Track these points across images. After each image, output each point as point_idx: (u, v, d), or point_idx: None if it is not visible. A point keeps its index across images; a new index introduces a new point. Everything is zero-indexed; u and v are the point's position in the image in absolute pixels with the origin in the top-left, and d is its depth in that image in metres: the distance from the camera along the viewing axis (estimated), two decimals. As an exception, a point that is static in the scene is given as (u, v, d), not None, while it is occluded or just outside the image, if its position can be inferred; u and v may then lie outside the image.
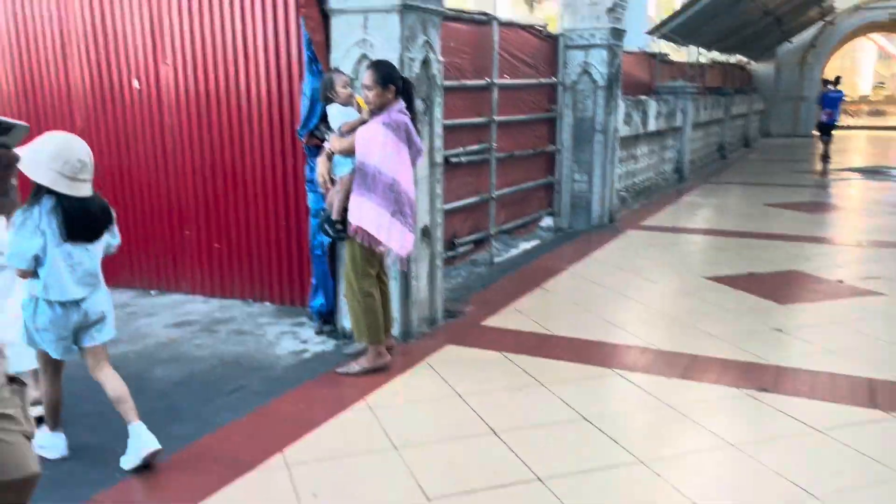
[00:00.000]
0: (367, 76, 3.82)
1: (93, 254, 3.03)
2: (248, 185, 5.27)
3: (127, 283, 5.83)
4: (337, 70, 4.11)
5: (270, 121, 5.10)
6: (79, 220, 2.92)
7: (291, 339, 4.64)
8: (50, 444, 3.15)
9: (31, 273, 2.92)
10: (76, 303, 2.98)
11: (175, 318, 5.07)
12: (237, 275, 5.46)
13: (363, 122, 3.83)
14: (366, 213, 3.77)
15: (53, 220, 2.87)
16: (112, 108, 5.57)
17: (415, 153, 3.87)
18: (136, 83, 5.45)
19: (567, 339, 4.55)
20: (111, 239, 3.15)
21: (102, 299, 3.10)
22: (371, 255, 3.88)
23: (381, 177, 3.71)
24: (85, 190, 2.91)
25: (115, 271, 5.84)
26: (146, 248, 5.70)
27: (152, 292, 5.72)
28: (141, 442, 3.00)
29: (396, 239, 3.78)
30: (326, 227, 3.95)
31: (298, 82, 4.82)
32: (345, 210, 3.87)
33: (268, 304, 5.36)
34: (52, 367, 3.11)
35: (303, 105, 4.52)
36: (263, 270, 5.36)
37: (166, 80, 5.35)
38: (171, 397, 3.74)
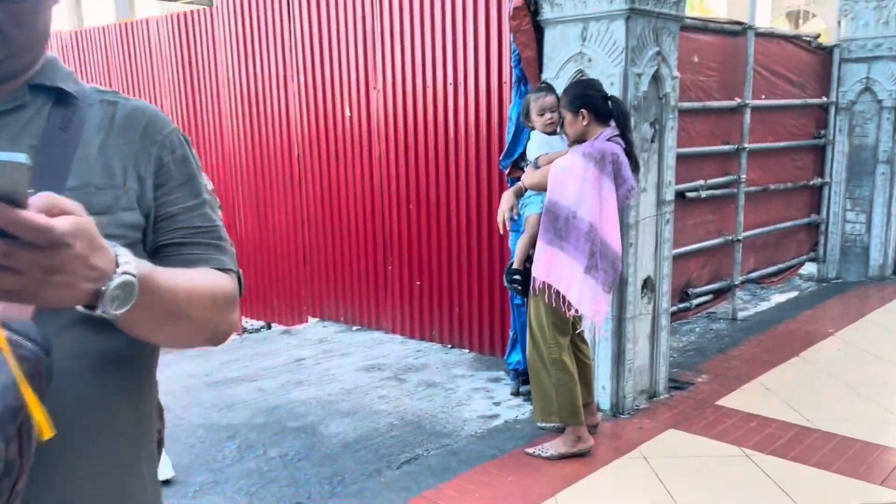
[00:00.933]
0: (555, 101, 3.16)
1: None
2: (452, 220, 4.81)
3: (332, 317, 5.67)
4: (540, 90, 3.45)
5: (478, 150, 4.60)
6: None
7: (483, 397, 4.05)
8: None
9: None
10: None
11: (367, 359, 4.73)
12: (436, 316, 5.02)
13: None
14: (553, 267, 3.06)
15: None
16: (325, 137, 5.46)
17: (625, 192, 3.08)
18: (348, 112, 5.28)
19: (835, 436, 3.43)
20: None
21: None
22: (560, 317, 3.15)
23: (576, 222, 2.98)
24: None
25: (323, 304, 5.71)
26: (351, 281, 5.49)
27: (354, 328, 5.48)
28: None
29: (589, 302, 3.01)
30: (505, 277, 3.32)
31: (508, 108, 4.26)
32: (529, 259, 3.21)
33: (466, 351, 4.84)
34: None
35: (508, 132, 3.96)
36: (464, 314, 4.86)
37: (376, 109, 5.10)
38: (337, 462, 3.31)
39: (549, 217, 3.07)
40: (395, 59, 4.91)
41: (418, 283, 5.08)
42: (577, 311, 3.03)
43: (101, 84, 7.31)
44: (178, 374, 4.51)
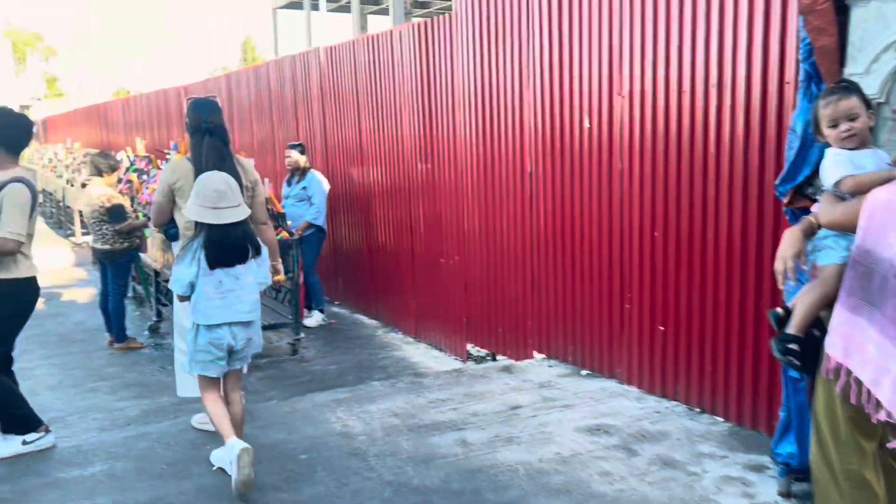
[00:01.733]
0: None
1: (243, 283, 3.26)
2: (707, 254, 3.88)
3: (560, 356, 5.00)
4: (834, 91, 2.42)
5: (746, 170, 3.63)
6: (217, 246, 3.18)
7: (739, 493, 3.11)
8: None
9: (187, 298, 3.29)
10: (224, 327, 3.25)
11: (593, 417, 3.98)
12: (683, 370, 4.11)
13: (889, 180, 2.14)
14: (856, 345, 2.08)
15: (202, 249, 3.18)
16: (561, 150, 4.80)
17: None
18: (587, 122, 4.57)
19: None
20: (261, 276, 3.37)
21: (250, 327, 3.35)
22: (864, 417, 2.15)
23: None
24: (228, 216, 3.15)
25: (550, 339, 5.06)
26: (583, 316, 4.77)
27: (583, 372, 4.75)
28: (232, 456, 3.11)
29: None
30: (774, 342, 2.38)
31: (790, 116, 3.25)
32: (815, 325, 2.25)
33: (719, 419, 3.88)
34: (213, 387, 3.34)
35: (789, 147, 2.98)
36: (718, 371, 3.90)
37: (620, 118, 4.33)
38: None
39: (857, 271, 2.10)
40: (646, 57, 4.11)
41: (661, 327, 4.21)
42: (888, 416, 2.03)
43: (352, 100, 7.38)
44: (383, 411, 4.15)
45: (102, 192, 6.15)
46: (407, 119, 6.32)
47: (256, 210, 3.88)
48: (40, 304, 7.07)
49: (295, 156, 6.94)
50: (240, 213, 3.19)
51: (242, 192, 3.50)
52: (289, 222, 6.34)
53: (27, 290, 3.72)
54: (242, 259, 3.24)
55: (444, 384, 4.63)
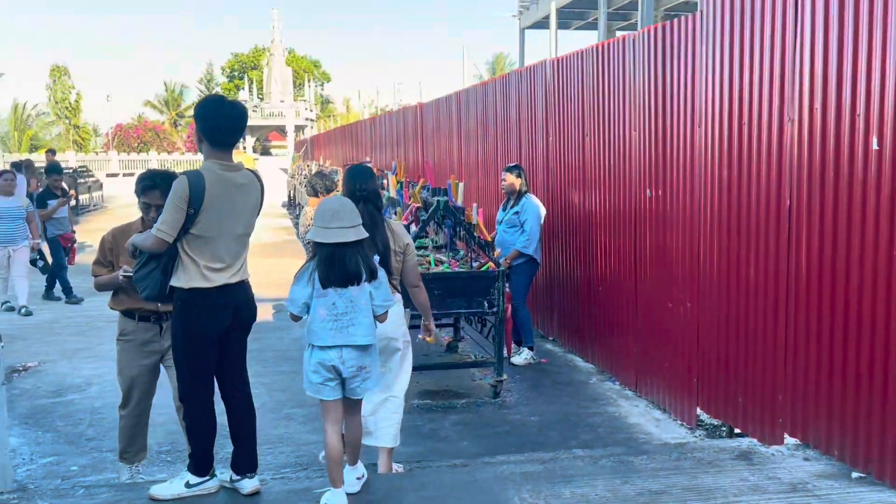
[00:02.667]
0: None
1: (358, 305, 3.21)
2: None
3: (821, 446, 3.85)
4: None
5: None
6: (326, 264, 3.16)
7: None
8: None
9: (298, 318, 3.31)
10: (335, 349, 3.20)
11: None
12: None
13: None
14: None
15: (317, 270, 3.18)
16: (834, 178, 3.69)
17: None
18: (874, 144, 3.42)
19: None
20: (377, 298, 3.29)
21: (363, 354, 3.25)
22: None
23: None
24: (337, 235, 3.13)
25: (808, 421, 3.93)
26: (857, 395, 3.60)
27: (854, 474, 3.58)
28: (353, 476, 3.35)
29: None
30: None
31: None
32: None
33: None
34: (334, 417, 3.29)
35: None
36: None
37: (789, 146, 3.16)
38: None
39: None
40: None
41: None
42: None
43: (577, 117, 6.69)
44: (578, 499, 3.38)
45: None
46: (636, 137, 5.47)
47: (408, 273, 3.93)
48: (268, 315, 7.03)
49: (510, 179, 6.40)
50: (352, 234, 3.18)
51: (391, 256, 3.69)
52: (497, 251, 5.79)
53: (192, 303, 3.29)
54: (354, 280, 3.22)
55: (660, 468, 3.73)
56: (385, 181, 7.11)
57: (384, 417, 3.85)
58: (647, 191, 5.34)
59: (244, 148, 48.79)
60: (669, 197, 5.09)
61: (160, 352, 3.92)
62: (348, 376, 3.25)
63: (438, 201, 5.36)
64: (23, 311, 8.59)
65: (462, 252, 6.26)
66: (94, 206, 21.96)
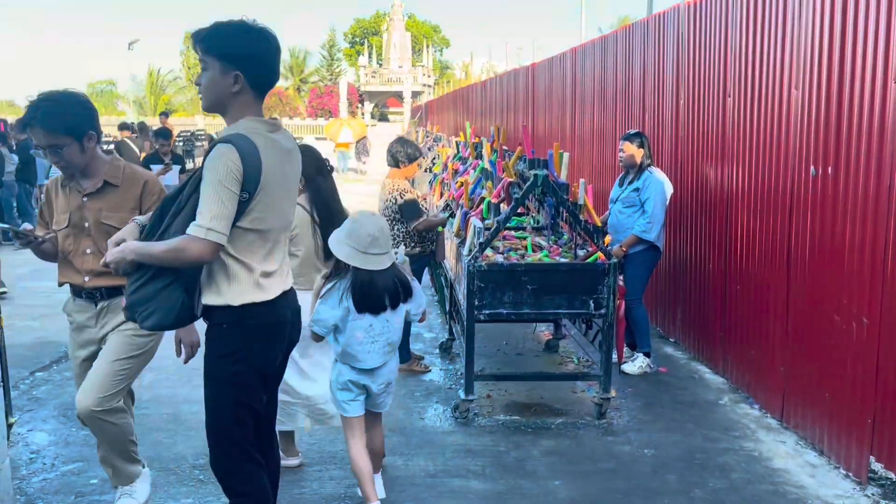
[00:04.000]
0: None
1: (393, 325, 3.18)
2: None
3: None
4: None
5: None
6: (365, 290, 3.05)
7: None
8: None
9: (322, 338, 3.19)
10: (370, 371, 3.17)
11: None
12: None
13: None
14: None
15: (350, 293, 3.05)
16: None
17: None
18: None
19: None
20: (412, 308, 3.27)
21: (392, 369, 3.28)
22: None
23: None
24: (377, 263, 3.05)
25: None
26: None
27: None
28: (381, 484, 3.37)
29: None
30: None
31: None
32: None
33: None
34: (357, 432, 3.21)
35: None
36: None
37: None
38: None
39: None
40: None
41: None
42: None
43: (718, 73, 5.40)
44: None
45: (395, 185, 5.21)
46: (798, 98, 4.22)
47: None
48: None
49: (630, 149, 5.25)
50: (387, 260, 3.12)
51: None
52: (608, 238, 4.70)
53: (246, 326, 2.38)
54: (393, 305, 3.17)
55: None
56: (481, 150, 6.14)
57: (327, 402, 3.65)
58: (812, 168, 4.09)
59: (362, 114, 49.10)
60: (843, 176, 3.83)
61: (96, 342, 3.15)
62: (377, 392, 3.27)
63: (536, 175, 4.34)
64: None
65: (567, 236, 5.23)
66: (211, 169, 22.22)
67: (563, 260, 4.58)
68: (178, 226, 2.29)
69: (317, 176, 3.67)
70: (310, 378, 3.64)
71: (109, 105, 57.37)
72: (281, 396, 3.21)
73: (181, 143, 20.07)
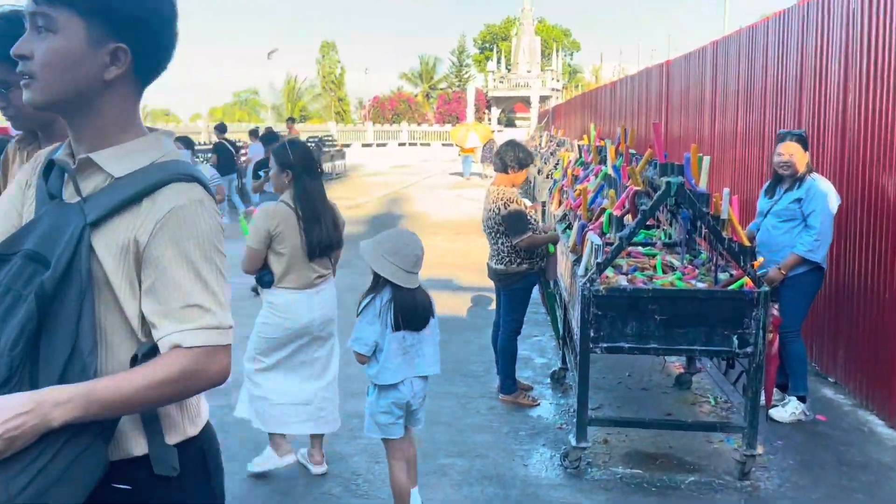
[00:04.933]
0: None
1: (424, 337, 3.16)
2: None
3: None
4: None
5: None
6: (408, 310, 3.07)
7: None
8: None
9: (367, 358, 3.11)
10: (405, 384, 3.12)
11: None
12: None
13: None
14: None
15: (389, 309, 3.05)
16: None
17: None
18: None
19: None
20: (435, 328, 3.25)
21: (426, 383, 3.23)
22: None
23: None
24: (415, 282, 3.09)
25: None
26: None
27: None
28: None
29: None
30: None
31: None
32: None
33: None
34: (401, 455, 3.17)
35: None
36: None
37: None
38: None
39: None
40: None
41: None
42: None
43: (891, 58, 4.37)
44: None
45: (501, 193, 4.62)
46: None
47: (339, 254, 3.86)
48: (460, 309, 6.03)
49: (793, 151, 4.37)
50: (419, 277, 3.16)
51: (341, 232, 3.73)
52: (758, 259, 3.88)
53: (202, 458, 1.52)
54: (427, 321, 3.17)
55: None
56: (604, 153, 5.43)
57: (324, 407, 3.69)
58: None
59: (489, 120, 48.82)
60: None
61: None
62: (416, 407, 3.22)
63: (669, 183, 3.60)
64: None
65: (705, 254, 4.44)
66: (337, 174, 22.51)
67: (700, 285, 3.81)
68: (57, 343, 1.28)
69: (303, 173, 3.57)
70: (300, 378, 3.64)
71: (252, 113, 60.44)
72: (271, 397, 3.59)
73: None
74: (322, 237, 3.55)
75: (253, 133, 15.57)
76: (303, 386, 3.63)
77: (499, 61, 53.00)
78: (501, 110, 52.08)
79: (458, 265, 9.01)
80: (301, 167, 3.57)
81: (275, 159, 3.69)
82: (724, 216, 3.76)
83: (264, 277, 3.59)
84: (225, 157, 13.04)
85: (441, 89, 59.14)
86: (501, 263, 4.65)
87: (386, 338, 3.05)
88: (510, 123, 51.88)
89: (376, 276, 3.08)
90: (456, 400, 4.79)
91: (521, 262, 4.61)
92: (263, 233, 3.50)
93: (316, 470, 3.73)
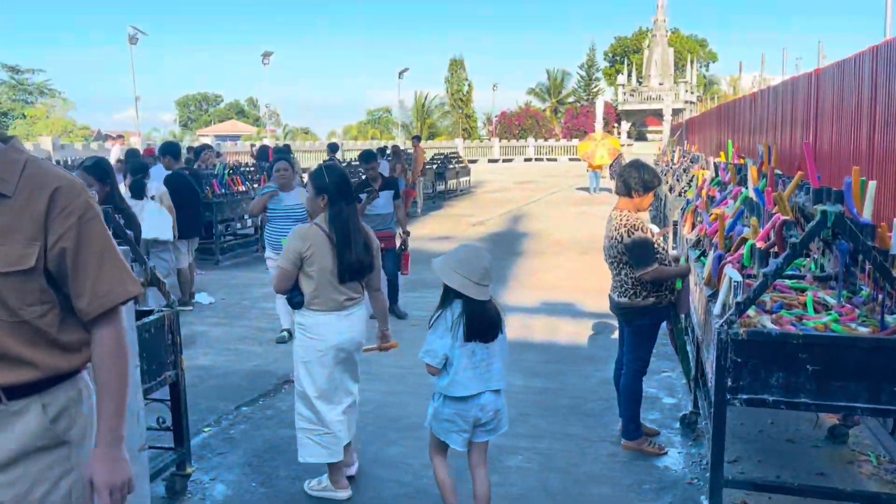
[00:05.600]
0: None
1: (493, 352, 3.22)
2: None
3: None
4: None
5: None
6: (480, 322, 3.16)
7: None
8: None
9: (438, 370, 3.19)
10: (478, 399, 3.18)
11: None
12: None
13: None
14: None
15: (461, 321, 3.14)
16: None
17: None
18: None
19: None
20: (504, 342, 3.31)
21: (499, 397, 3.26)
22: None
23: None
24: (485, 294, 3.17)
25: None
26: None
27: None
28: None
29: None
30: None
31: None
32: None
33: None
34: (442, 450, 3.31)
35: None
36: None
37: None
38: None
39: None
40: None
41: None
42: None
43: None
44: None
45: (624, 219, 4.22)
46: None
47: (374, 277, 3.87)
48: (581, 337, 5.74)
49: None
50: (490, 291, 3.22)
51: (373, 256, 3.77)
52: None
53: None
54: (497, 334, 3.24)
55: None
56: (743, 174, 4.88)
57: (352, 419, 3.84)
58: None
59: (618, 133, 47.58)
60: None
61: None
62: (487, 420, 3.24)
63: (825, 213, 3.09)
64: (282, 334, 6.58)
65: (866, 291, 3.84)
66: (461, 191, 22.50)
67: (862, 329, 3.25)
68: None
69: (339, 198, 3.65)
70: (330, 403, 3.69)
71: (384, 130, 62.18)
72: (317, 429, 3.67)
73: (432, 166, 20.52)
74: (352, 261, 3.61)
75: (381, 151, 15.82)
76: (332, 411, 3.70)
77: (629, 74, 51.64)
78: (632, 124, 50.63)
79: (581, 288, 8.57)
80: (336, 192, 3.64)
81: (311, 183, 3.74)
82: (893, 251, 3.19)
83: (294, 298, 3.67)
84: None
85: (569, 104, 58.31)
86: (625, 296, 4.24)
87: (456, 351, 3.14)
88: (641, 137, 50.32)
89: (446, 291, 3.19)
90: (573, 443, 4.41)
91: (648, 295, 4.18)
92: (295, 254, 3.57)
93: (348, 472, 3.86)
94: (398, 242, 7.48)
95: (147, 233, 6.43)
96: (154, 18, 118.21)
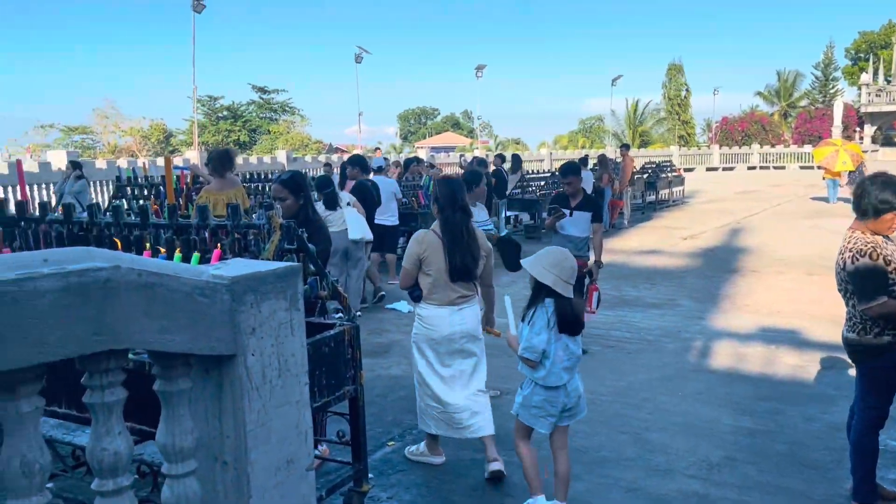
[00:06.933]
0: None
1: (578, 344, 3.54)
2: None
3: None
4: None
5: None
6: (570, 317, 3.44)
7: None
8: None
9: (535, 364, 3.45)
10: (565, 387, 3.47)
11: None
12: None
13: None
14: None
15: (554, 317, 3.42)
16: None
17: None
18: None
19: None
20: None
21: (580, 382, 3.58)
22: None
23: None
24: (571, 292, 3.44)
25: None
26: None
27: None
28: None
29: None
30: None
31: None
32: None
33: None
34: (526, 435, 3.61)
35: None
36: None
37: None
38: None
39: None
40: None
41: None
42: None
43: None
44: None
45: (854, 241, 3.51)
46: None
47: (488, 275, 4.36)
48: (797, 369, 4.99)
49: None
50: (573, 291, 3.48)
51: (479, 260, 4.20)
52: None
53: None
54: (583, 327, 3.54)
55: None
56: None
57: (477, 411, 4.13)
58: None
59: (860, 138, 42.49)
60: None
61: None
62: (572, 405, 3.52)
63: None
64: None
65: None
66: (673, 201, 21.25)
67: None
68: None
69: (447, 207, 4.13)
70: (449, 386, 4.13)
71: (596, 139, 61.12)
72: (426, 401, 4.21)
73: (643, 175, 19.63)
74: (458, 264, 4.06)
75: (583, 161, 15.41)
76: (450, 394, 4.13)
77: (875, 72, 46.03)
78: (877, 127, 45.09)
79: (806, 314, 7.56)
80: (445, 202, 4.14)
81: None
82: None
83: (414, 292, 4.22)
84: (499, 183, 13.18)
85: (801, 107, 53.24)
86: (853, 331, 3.55)
87: (552, 346, 3.42)
88: (888, 142, 44.60)
89: (536, 289, 3.48)
90: (790, 500, 3.78)
91: (881, 333, 3.46)
92: (414, 256, 4.13)
93: (492, 467, 4.04)
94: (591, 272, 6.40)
95: (353, 234, 7.31)
96: (378, 38, 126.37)
